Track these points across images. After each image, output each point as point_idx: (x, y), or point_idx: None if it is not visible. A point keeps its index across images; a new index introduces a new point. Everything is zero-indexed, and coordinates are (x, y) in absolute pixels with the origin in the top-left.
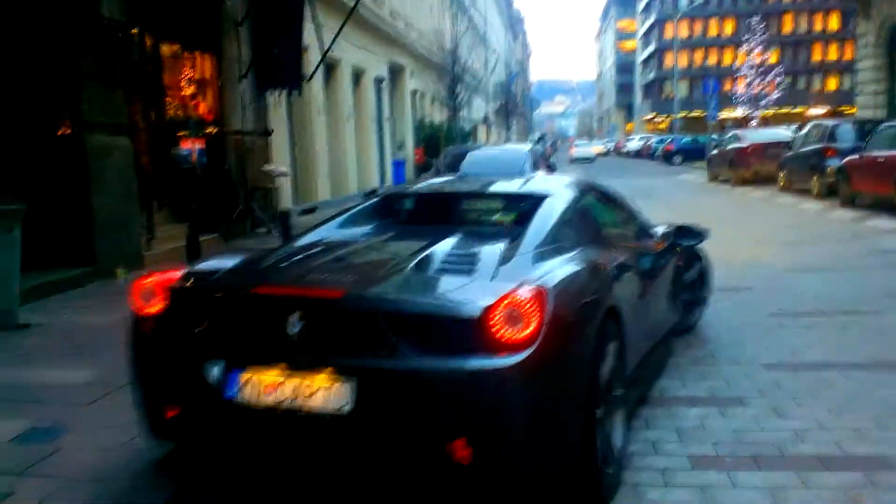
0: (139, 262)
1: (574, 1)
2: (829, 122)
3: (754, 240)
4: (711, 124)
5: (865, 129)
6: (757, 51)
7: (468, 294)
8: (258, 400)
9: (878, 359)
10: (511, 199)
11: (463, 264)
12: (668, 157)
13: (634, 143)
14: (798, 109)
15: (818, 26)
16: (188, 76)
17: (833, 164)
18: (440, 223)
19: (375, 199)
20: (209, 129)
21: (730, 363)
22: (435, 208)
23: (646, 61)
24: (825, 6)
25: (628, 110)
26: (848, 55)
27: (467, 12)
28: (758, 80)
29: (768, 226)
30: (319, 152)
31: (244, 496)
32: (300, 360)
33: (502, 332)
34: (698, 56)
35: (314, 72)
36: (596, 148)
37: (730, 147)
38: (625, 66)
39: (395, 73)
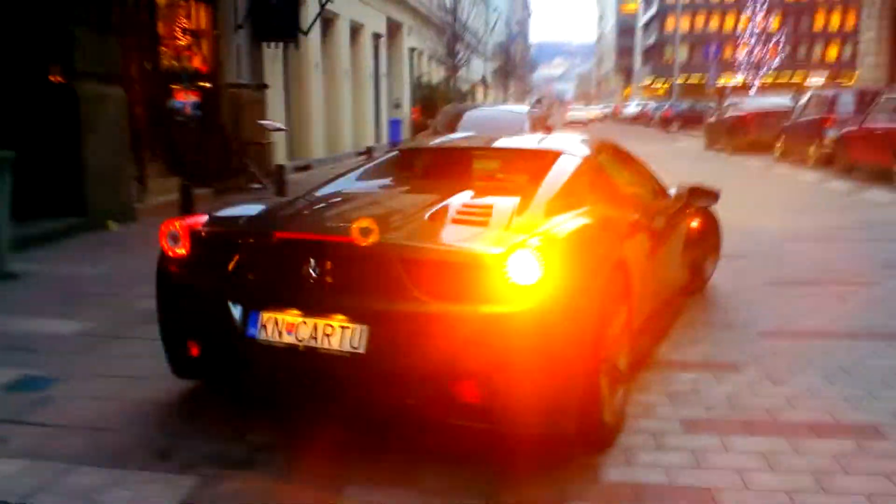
0: (131, 215)
1: None
2: (830, 92)
3: (750, 208)
4: (710, 90)
5: (865, 100)
6: (759, 16)
7: (482, 242)
8: (279, 338)
9: (873, 329)
10: (528, 155)
11: (478, 215)
12: (665, 123)
13: (632, 109)
14: (797, 77)
15: None
16: (183, 26)
17: (832, 134)
18: (457, 177)
19: (393, 154)
20: (203, 82)
21: (724, 329)
22: (453, 163)
23: (647, 24)
24: None
25: (627, 75)
26: (850, 23)
27: None
28: (759, 47)
29: (765, 194)
30: (315, 108)
31: (233, 443)
32: (317, 303)
33: (513, 278)
34: (700, 20)
35: (311, 25)
36: (590, 112)
37: (728, 115)
38: (625, 29)
39: (394, 29)
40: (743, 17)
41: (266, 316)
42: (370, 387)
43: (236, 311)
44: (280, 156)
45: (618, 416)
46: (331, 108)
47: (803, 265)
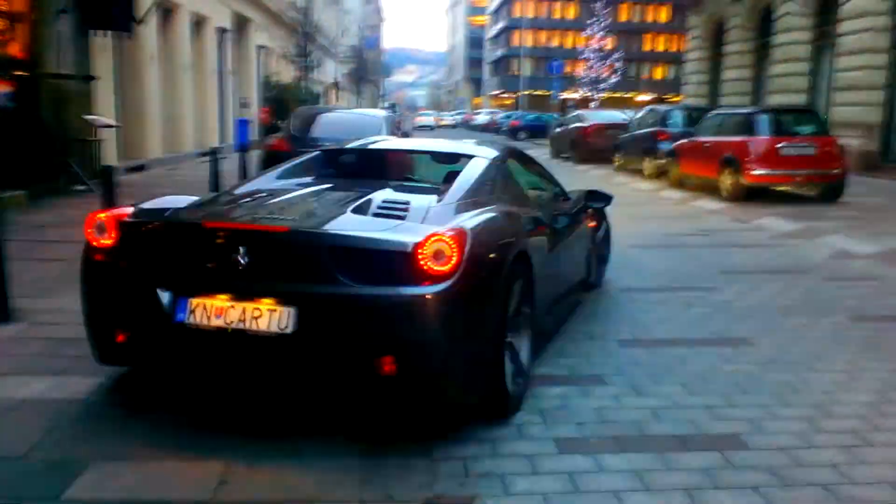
0: None
1: None
2: (662, 108)
3: None
4: (554, 103)
5: (694, 116)
6: (598, 36)
7: (400, 232)
8: (208, 322)
9: (721, 335)
10: (440, 157)
11: (396, 210)
12: (513, 133)
13: (482, 118)
14: (629, 95)
15: (650, 17)
16: None
17: (665, 147)
18: (376, 177)
19: (313, 154)
20: (18, 71)
21: (586, 339)
22: (371, 163)
23: (495, 38)
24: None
25: (477, 84)
26: (674, 47)
27: None
28: (598, 64)
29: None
30: (151, 104)
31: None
32: (247, 288)
33: (428, 265)
34: (544, 37)
35: (146, 13)
36: (437, 118)
37: (572, 126)
38: (475, 41)
39: (241, 25)
40: (583, 37)
41: (195, 302)
42: (296, 365)
43: (165, 298)
44: (111, 155)
45: (524, 379)
46: (170, 104)
47: (652, 271)
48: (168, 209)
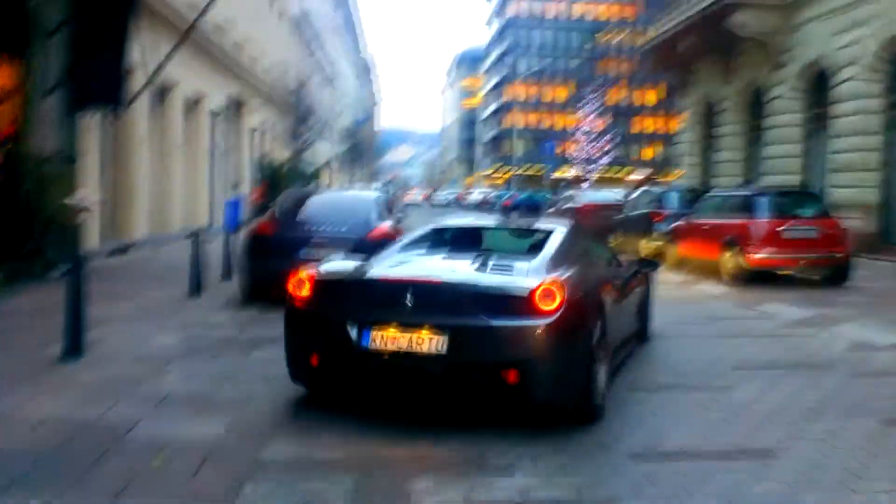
0: None
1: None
2: (658, 189)
3: None
4: (547, 182)
5: (689, 197)
6: (590, 117)
7: (518, 282)
8: (385, 347)
9: (743, 445)
10: (523, 231)
11: (506, 267)
12: (506, 212)
13: (475, 196)
14: (620, 174)
15: (639, 99)
16: None
17: (661, 228)
18: (477, 245)
19: (425, 230)
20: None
21: (595, 451)
22: (472, 236)
23: (487, 119)
24: (645, 82)
25: (470, 164)
26: (664, 127)
27: (317, 53)
28: (590, 144)
29: None
30: (140, 185)
31: None
32: (412, 322)
33: (540, 304)
34: (535, 117)
35: (137, 94)
36: (423, 195)
37: (566, 206)
38: (468, 122)
39: (236, 106)
40: (575, 117)
41: (375, 332)
42: (448, 377)
43: (353, 331)
44: (94, 236)
45: (602, 398)
46: (159, 184)
47: (659, 366)
48: (349, 269)
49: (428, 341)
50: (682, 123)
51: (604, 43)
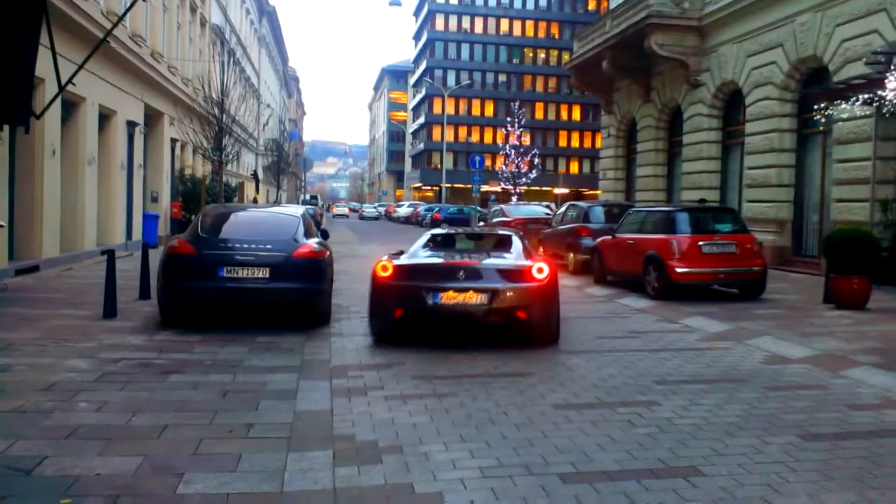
0: None
1: (349, 67)
2: (583, 204)
3: None
4: (476, 196)
5: (615, 212)
6: (516, 133)
7: (520, 263)
8: (447, 302)
9: (669, 462)
10: (493, 235)
11: (505, 256)
12: (436, 225)
13: (404, 210)
14: (547, 188)
15: (564, 116)
16: None
17: (587, 243)
18: (476, 242)
19: (428, 237)
20: None
21: (523, 474)
22: (471, 238)
23: (416, 132)
24: (570, 99)
25: (399, 177)
26: (587, 143)
27: (240, 63)
28: (516, 159)
29: None
30: (49, 201)
31: None
32: (464, 287)
33: (536, 275)
34: (464, 132)
35: (46, 108)
36: (349, 208)
37: (495, 220)
38: (396, 135)
39: (153, 117)
40: (502, 133)
41: (441, 294)
42: (488, 317)
43: (427, 294)
44: (0, 256)
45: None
46: (69, 201)
47: (586, 383)
48: (419, 259)
49: (473, 297)
50: (605, 140)
51: (530, 60)
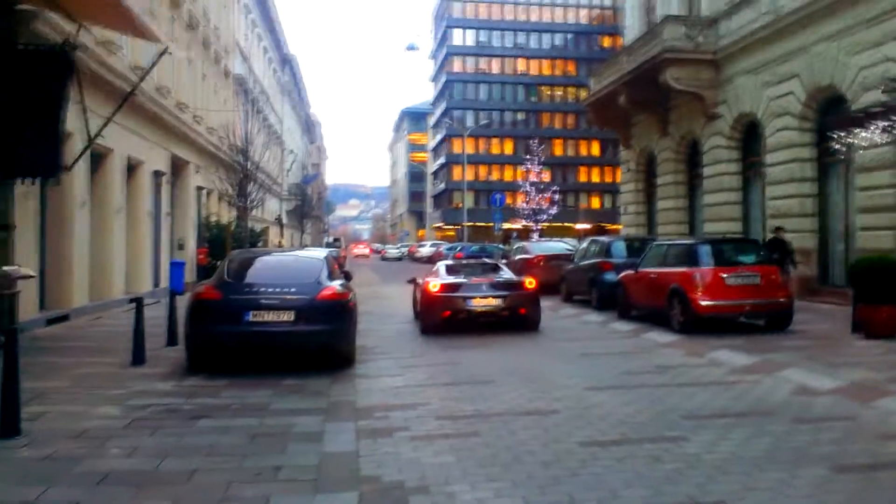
0: None
1: (369, 110)
2: (605, 239)
3: (551, 353)
4: (497, 234)
5: (636, 246)
6: (536, 170)
7: (516, 280)
8: (477, 305)
9: (698, 498)
10: (488, 264)
11: (504, 275)
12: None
13: (427, 249)
14: (568, 224)
15: (583, 151)
16: None
17: (609, 277)
18: (481, 267)
19: (446, 265)
20: None
21: None
22: (476, 263)
23: (436, 173)
24: (588, 135)
25: (420, 217)
26: (608, 178)
27: (263, 111)
28: (536, 196)
29: (559, 338)
30: (78, 251)
31: None
32: (485, 296)
33: (527, 284)
34: (483, 171)
35: (75, 161)
36: (371, 249)
37: (517, 258)
38: (417, 176)
39: (179, 166)
40: (521, 171)
41: (473, 300)
42: (501, 314)
43: (464, 299)
44: (32, 306)
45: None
46: (98, 250)
47: (613, 419)
48: (453, 280)
49: (493, 301)
50: (624, 175)
51: (547, 98)
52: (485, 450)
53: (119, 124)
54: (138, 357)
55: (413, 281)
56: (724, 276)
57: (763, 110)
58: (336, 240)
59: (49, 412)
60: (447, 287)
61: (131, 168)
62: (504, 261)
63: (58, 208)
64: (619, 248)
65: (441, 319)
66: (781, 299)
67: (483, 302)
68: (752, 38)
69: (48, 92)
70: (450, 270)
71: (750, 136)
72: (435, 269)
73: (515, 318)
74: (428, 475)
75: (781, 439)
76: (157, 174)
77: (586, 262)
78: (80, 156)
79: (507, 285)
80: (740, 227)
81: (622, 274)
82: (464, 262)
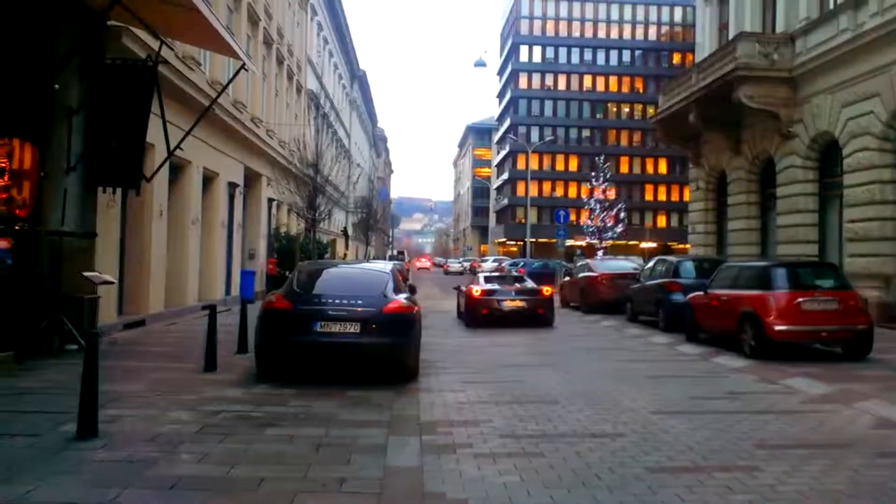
0: None
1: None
2: (673, 259)
3: (616, 375)
4: (560, 251)
5: (705, 267)
6: (601, 187)
7: (536, 288)
8: (506, 307)
9: None
10: (517, 277)
11: (529, 285)
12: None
13: (489, 265)
14: (633, 242)
15: (650, 169)
16: (1, 165)
17: (677, 298)
18: (513, 278)
19: (483, 276)
20: (18, 227)
21: None
22: (509, 276)
23: (500, 188)
24: (655, 153)
25: (483, 232)
26: (675, 196)
27: (332, 126)
28: (602, 213)
29: (624, 359)
30: (156, 259)
31: None
32: (513, 299)
33: (544, 291)
34: (547, 187)
35: (155, 172)
36: (431, 263)
37: (581, 275)
38: (480, 191)
39: (252, 179)
40: (586, 187)
41: (505, 302)
42: (526, 312)
43: (498, 303)
44: (111, 311)
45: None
46: (174, 258)
47: (681, 445)
48: (490, 287)
49: (520, 303)
50: (694, 193)
51: (613, 114)
52: (550, 471)
53: (197, 137)
54: (210, 363)
55: (457, 288)
56: (800, 300)
57: (842, 130)
58: (400, 253)
59: (125, 416)
60: (486, 292)
61: (207, 179)
62: (567, 278)
63: (137, 217)
64: (688, 268)
65: (482, 316)
66: (860, 326)
67: (511, 304)
68: (830, 56)
69: (133, 105)
70: (487, 280)
71: (827, 156)
72: (475, 278)
73: (535, 317)
74: (491, 495)
75: (861, 474)
76: (232, 186)
77: (653, 281)
78: (160, 167)
79: (530, 291)
80: (816, 251)
81: (690, 295)
82: (496, 273)
